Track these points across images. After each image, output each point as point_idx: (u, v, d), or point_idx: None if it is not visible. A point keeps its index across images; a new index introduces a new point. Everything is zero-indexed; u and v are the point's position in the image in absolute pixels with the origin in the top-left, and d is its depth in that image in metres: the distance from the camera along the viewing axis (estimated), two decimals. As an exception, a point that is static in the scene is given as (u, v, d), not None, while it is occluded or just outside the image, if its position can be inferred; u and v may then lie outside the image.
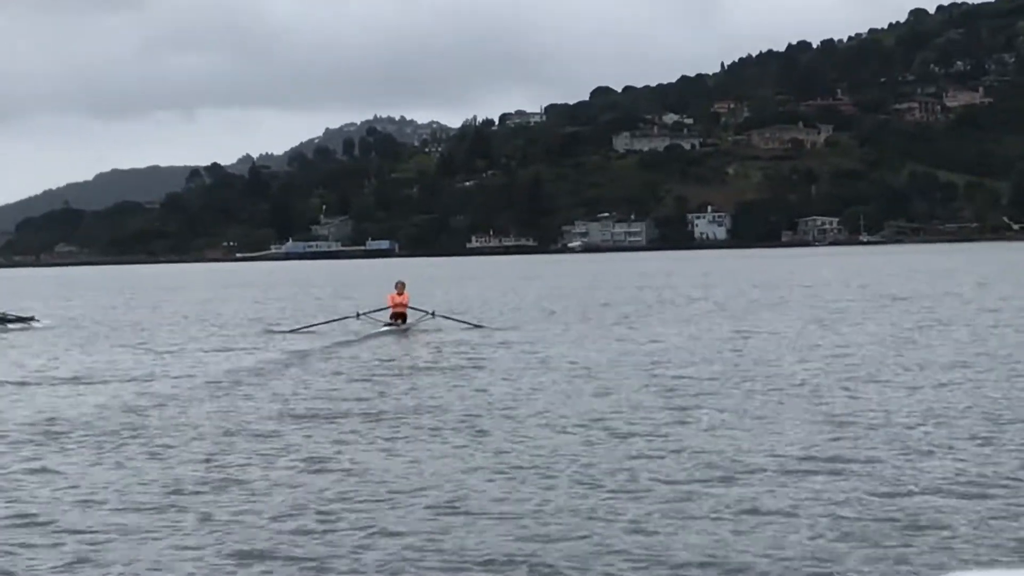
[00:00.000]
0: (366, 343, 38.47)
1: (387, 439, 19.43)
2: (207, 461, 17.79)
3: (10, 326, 49.89)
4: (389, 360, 32.91)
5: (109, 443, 19.52)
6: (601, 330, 42.16)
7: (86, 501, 15.26)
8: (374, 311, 43.79)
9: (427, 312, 44.38)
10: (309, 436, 19.89)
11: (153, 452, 18.64)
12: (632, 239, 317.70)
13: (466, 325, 43.99)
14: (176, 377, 29.38)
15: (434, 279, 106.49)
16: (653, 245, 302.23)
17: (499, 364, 30.85)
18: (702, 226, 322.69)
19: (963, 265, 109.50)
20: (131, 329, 49.64)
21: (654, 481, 15.54)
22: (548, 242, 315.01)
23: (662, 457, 17.18)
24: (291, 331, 44.03)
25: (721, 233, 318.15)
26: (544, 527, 13.36)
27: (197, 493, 15.53)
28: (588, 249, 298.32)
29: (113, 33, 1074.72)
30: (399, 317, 42.92)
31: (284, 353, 35.52)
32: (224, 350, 37.39)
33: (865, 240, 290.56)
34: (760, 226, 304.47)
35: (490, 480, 15.95)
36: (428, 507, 14.48)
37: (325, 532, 13.43)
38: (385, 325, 42.44)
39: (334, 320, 45.00)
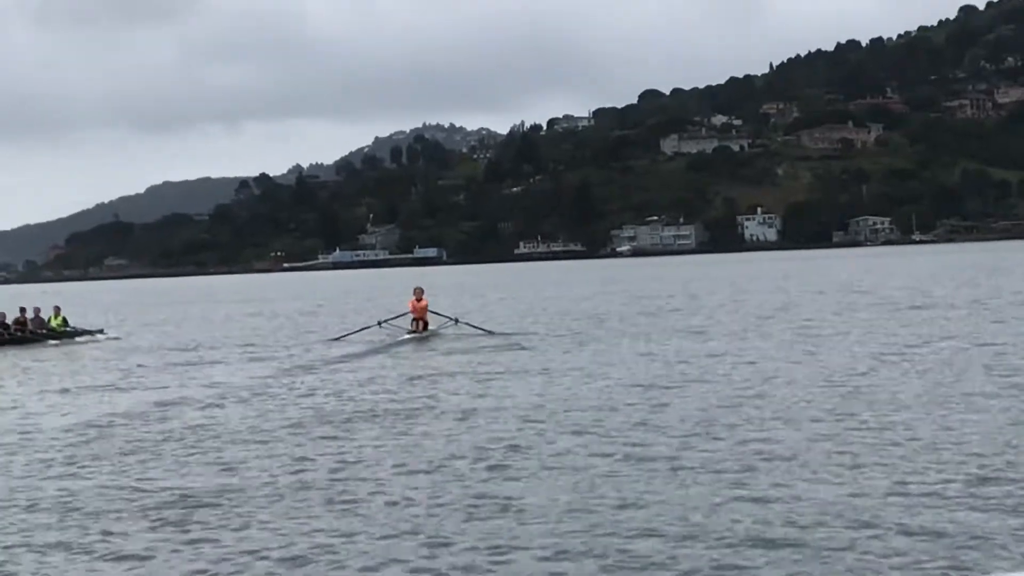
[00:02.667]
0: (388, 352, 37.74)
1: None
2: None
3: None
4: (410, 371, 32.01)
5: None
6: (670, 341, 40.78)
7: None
8: (395, 318, 43.37)
9: (451, 319, 43.74)
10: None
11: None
12: (681, 242, 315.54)
13: (486, 334, 42.72)
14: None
15: (477, 288, 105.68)
16: (703, 248, 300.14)
17: (514, 377, 29.66)
18: (752, 228, 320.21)
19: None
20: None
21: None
22: (597, 246, 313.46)
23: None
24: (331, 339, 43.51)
25: (771, 235, 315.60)
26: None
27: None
28: (637, 253, 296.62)
29: (156, 47, 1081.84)
30: (420, 323, 42.54)
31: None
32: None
33: (918, 239, 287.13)
34: (811, 227, 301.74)
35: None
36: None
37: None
38: (407, 333, 41.97)
39: (358, 331, 43.79)
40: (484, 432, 20.09)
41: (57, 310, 51.78)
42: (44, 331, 50.11)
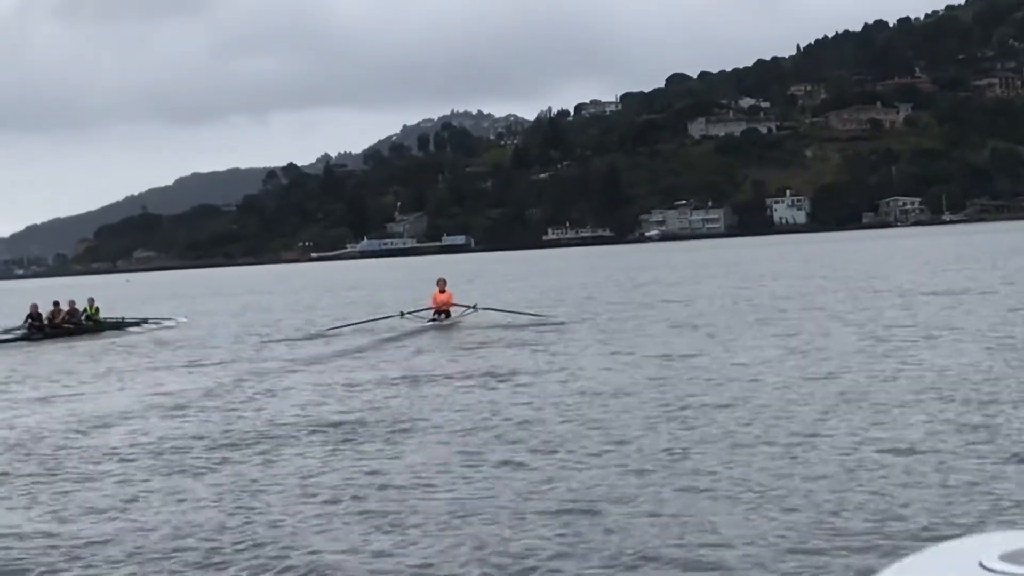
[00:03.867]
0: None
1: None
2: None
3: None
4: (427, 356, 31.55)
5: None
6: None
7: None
8: (418, 310, 43.12)
9: (470, 306, 43.51)
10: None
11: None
12: (710, 226, 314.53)
13: (510, 315, 42.82)
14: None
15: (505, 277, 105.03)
16: (732, 231, 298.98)
17: (536, 357, 29.37)
18: (781, 211, 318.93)
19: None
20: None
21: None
22: (625, 232, 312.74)
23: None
24: (333, 328, 42.90)
25: (801, 217, 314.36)
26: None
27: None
28: (666, 237, 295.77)
29: (182, 40, 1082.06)
30: (442, 313, 42.43)
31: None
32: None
33: (948, 219, 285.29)
34: (840, 209, 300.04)
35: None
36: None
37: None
38: (428, 321, 41.93)
39: (378, 319, 43.52)
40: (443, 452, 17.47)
41: (91, 301, 51.32)
42: (82, 322, 49.89)
